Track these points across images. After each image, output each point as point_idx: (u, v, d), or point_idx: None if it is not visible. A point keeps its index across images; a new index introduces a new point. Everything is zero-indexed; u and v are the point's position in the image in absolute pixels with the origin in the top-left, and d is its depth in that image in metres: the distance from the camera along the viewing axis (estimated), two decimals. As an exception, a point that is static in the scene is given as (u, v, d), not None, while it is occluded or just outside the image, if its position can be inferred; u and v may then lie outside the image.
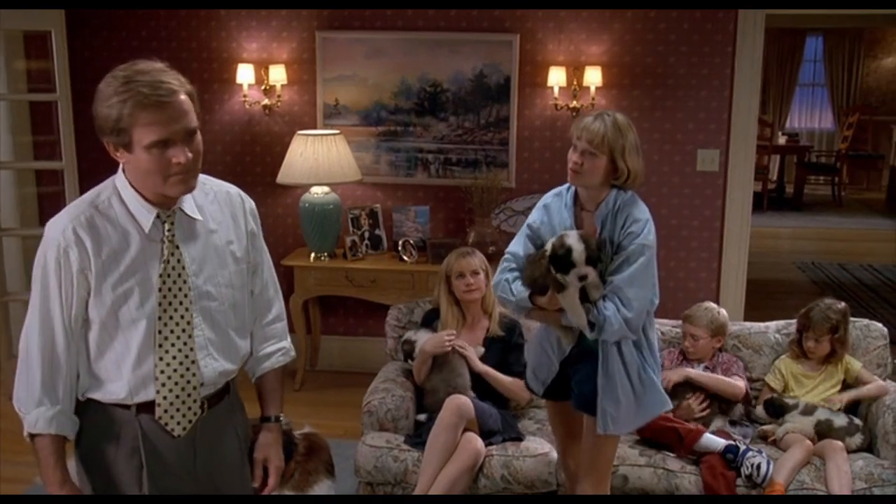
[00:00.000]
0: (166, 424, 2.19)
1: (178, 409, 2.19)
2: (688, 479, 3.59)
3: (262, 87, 5.50)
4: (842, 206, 12.21)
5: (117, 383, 2.17)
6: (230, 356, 2.29)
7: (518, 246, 3.11)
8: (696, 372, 3.92)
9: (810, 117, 14.05)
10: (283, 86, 5.51)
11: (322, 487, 3.73)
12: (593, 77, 5.25)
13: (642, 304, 2.92)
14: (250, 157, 5.69)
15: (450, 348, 3.90)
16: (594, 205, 3.02)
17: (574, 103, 5.32)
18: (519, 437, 3.80)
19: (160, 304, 2.15)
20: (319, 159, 5.12)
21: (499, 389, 3.95)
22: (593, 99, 5.27)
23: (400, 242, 5.35)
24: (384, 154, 5.59)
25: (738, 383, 3.92)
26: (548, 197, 3.14)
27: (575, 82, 5.31)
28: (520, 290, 3.02)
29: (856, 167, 13.23)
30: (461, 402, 3.68)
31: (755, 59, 5.28)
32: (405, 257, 5.32)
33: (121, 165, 2.16)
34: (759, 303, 6.61)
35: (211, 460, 2.29)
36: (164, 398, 2.17)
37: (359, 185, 5.54)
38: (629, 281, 2.89)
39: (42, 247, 2.13)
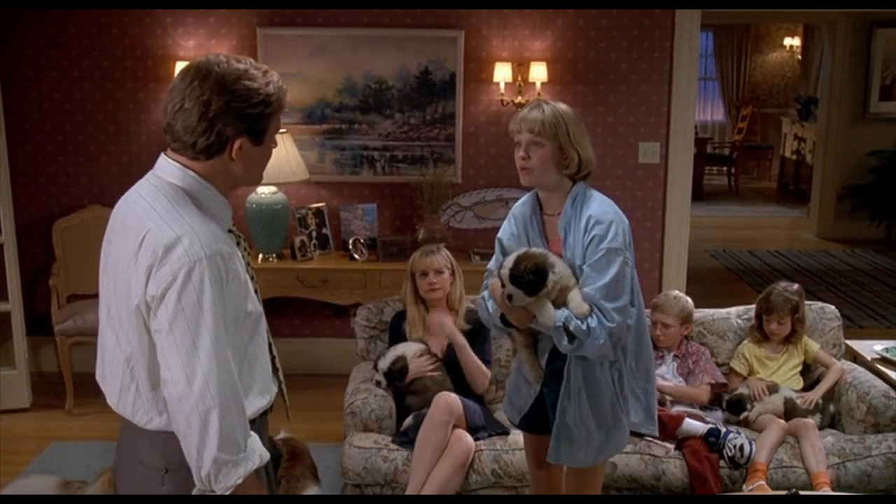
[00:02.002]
0: (286, 402, 2.32)
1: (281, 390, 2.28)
2: (673, 464, 3.68)
3: (202, 86, 5.32)
4: (738, 195, 12.74)
5: (255, 389, 2.07)
6: None
7: (492, 261, 3.01)
8: (669, 387, 3.97)
9: (703, 110, 14.57)
10: (223, 84, 5.35)
11: (310, 493, 3.67)
12: (538, 73, 5.31)
13: (623, 315, 2.68)
14: (189, 158, 5.51)
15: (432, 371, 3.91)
16: (556, 208, 2.83)
17: (519, 99, 5.37)
18: (505, 432, 3.81)
19: (257, 296, 2.12)
20: (268, 159, 5.00)
21: (465, 368, 3.92)
22: (539, 94, 5.32)
23: (350, 241, 5.30)
24: (329, 152, 5.51)
25: (703, 392, 4.02)
26: (516, 205, 2.97)
27: (520, 78, 5.37)
28: (493, 308, 2.91)
29: (746, 157, 13.81)
30: (450, 400, 3.67)
31: (692, 54, 5.45)
32: (356, 256, 5.27)
33: (176, 168, 1.99)
34: (687, 290, 6.82)
35: None
36: (281, 382, 2.25)
37: (304, 185, 5.44)
38: (603, 291, 2.65)
39: (196, 269, 1.86)
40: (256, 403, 2.07)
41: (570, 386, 2.80)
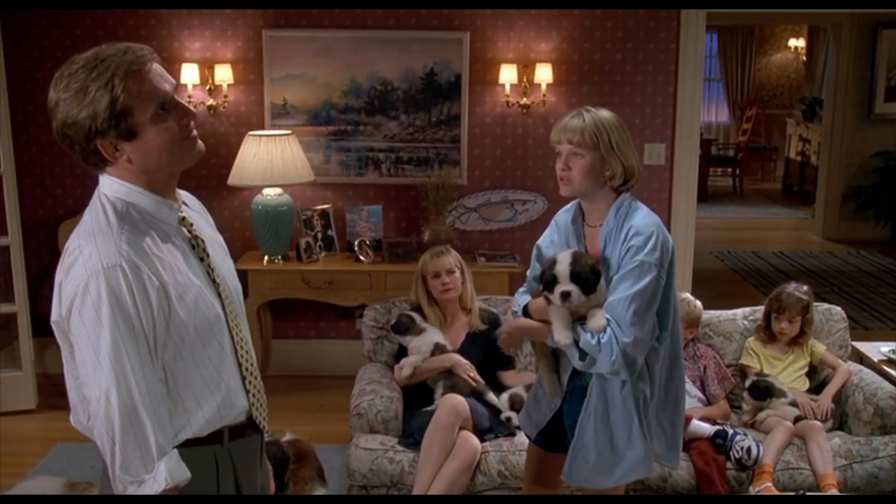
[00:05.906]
0: (259, 422, 2.04)
1: (262, 405, 2.06)
2: (679, 465, 3.67)
3: (207, 88, 5.34)
4: (743, 196, 12.74)
5: (209, 407, 1.92)
6: None
7: (529, 269, 2.95)
8: (701, 413, 3.92)
9: (707, 111, 14.54)
10: (229, 85, 5.36)
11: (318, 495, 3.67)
12: (544, 74, 5.31)
13: (644, 332, 2.57)
14: (195, 160, 5.52)
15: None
16: (598, 219, 2.74)
17: (525, 100, 5.37)
18: (511, 433, 3.82)
19: (222, 302, 1.96)
20: (273, 160, 5.01)
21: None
22: (544, 96, 5.34)
23: (356, 243, 5.30)
24: (334, 154, 5.51)
25: (724, 409, 4.02)
26: (560, 212, 2.90)
27: (525, 79, 5.36)
28: (519, 302, 2.88)
29: (751, 159, 13.80)
30: (457, 402, 3.67)
31: (698, 56, 5.45)
32: (362, 257, 5.26)
33: (103, 178, 1.90)
34: (693, 292, 6.82)
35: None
36: (255, 397, 2.03)
37: (309, 186, 5.45)
38: (626, 303, 2.56)
39: (92, 283, 1.75)
40: (202, 417, 1.91)
41: (590, 405, 2.75)
